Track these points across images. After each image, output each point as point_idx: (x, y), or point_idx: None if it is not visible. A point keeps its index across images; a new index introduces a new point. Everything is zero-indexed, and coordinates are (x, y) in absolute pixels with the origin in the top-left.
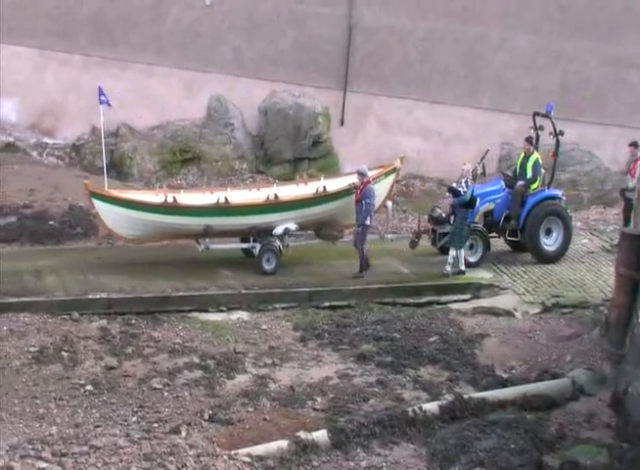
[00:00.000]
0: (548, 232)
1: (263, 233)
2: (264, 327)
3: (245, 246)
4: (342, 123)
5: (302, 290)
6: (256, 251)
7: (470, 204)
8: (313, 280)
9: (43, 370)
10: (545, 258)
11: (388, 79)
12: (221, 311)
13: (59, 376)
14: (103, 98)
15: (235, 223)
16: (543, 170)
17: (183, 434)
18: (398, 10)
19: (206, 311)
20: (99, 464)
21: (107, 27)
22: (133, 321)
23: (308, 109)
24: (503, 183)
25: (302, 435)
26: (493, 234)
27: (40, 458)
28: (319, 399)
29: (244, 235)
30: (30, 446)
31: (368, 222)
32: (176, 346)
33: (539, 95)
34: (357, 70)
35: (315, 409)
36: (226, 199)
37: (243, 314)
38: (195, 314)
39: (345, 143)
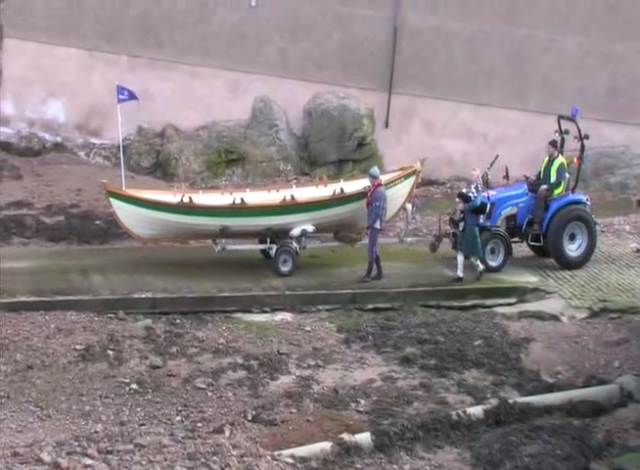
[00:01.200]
0: (572, 237)
1: (280, 234)
2: (308, 328)
3: (261, 247)
4: (386, 125)
5: (346, 291)
6: (273, 252)
7: (480, 209)
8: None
9: (89, 368)
10: (568, 265)
11: (433, 81)
12: (265, 312)
13: (104, 374)
14: (121, 97)
15: (251, 224)
16: (568, 175)
17: (227, 434)
18: (444, 11)
19: (250, 312)
20: (143, 462)
21: (153, 29)
22: (178, 321)
23: (353, 110)
24: (526, 187)
25: (346, 437)
26: (516, 239)
27: (86, 455)
28: (362, 402)
29: (261, 236)
30: (77, 443)
31: (377, 225)
32: (220, 346)
33: (587, 97)
34: (402, 71)
35: (358, 411)
36: (242, 199)
37: (286, 315)
38: (239, 315)
39: (390, 145)
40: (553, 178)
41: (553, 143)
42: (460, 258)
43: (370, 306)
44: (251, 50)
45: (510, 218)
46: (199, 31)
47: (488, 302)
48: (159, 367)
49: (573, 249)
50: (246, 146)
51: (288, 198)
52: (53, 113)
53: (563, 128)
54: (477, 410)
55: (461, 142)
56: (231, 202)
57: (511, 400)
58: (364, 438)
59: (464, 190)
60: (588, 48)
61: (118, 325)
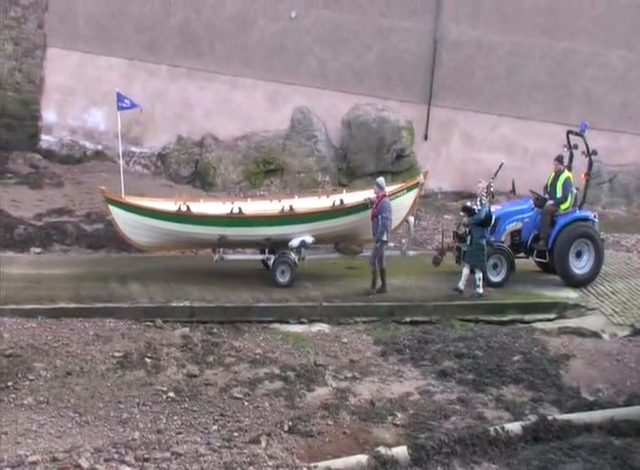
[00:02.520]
0: (578, 255)
1: (279, 245)
2: (345, 340)
3: (260, 257)
4: (425, 138)
5: (384, 304)
6: (271, 262)
7: (485, 222)
8: (396, 294)
9: (127, 375)
10: (574, 282)
11: (473, 94)
12: (302, 323)
13: (142, 382)
14: (121, 105)
15: (249, 234)
16: (575, 190)
17: (263, 444)
18: (485, 24)
19: (287, 323)
20: None
21: (193, 39)
22: (215, 330)
23: (392, 122)
24: (532, 202)
25: (382, 450)
26: (521, 254)
27: (124, 462)
28: (399, 415)
29: (260, 246)
30: (114, 450)
31: (385, 238)
32: (257, 356)
33: (630, 111)
34: (442, 84)
35: (395, 425)
36: (240, 209)
37: (323, 327)
38: (276, 325)
39: (429, 158)
40: (559, 193)
41: (559, 158)
42: (465, 270)
43: (407, 319)
44: (291, 61)
45: (515, 234)
46: (239, 42)
47: (527, 317)
48: (196, 376)
49: (580, 266)
50: (284, 156)
51: (286, 208)
52: (94, 121)
53: (572, 143)
54: (515, 426)
55: (501, 155)
56: (229, 211)
57: (550, 417)
58: (401, 451)
59: (468, 203)
60: (631, 61)
61: (156, 333)
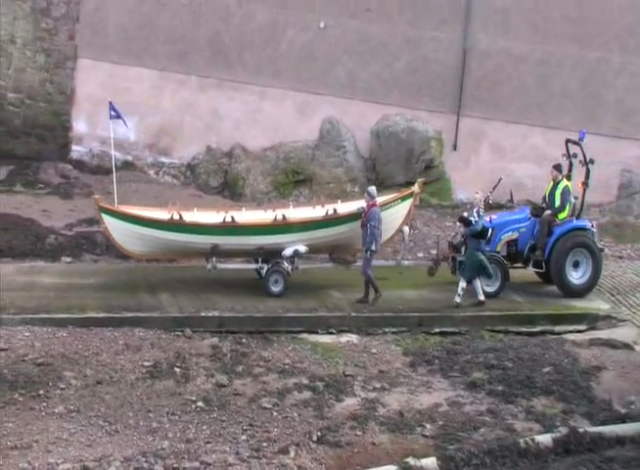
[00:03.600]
0: (576, 265)
1: (272, 254)
2: (374, 351)
3: (253, 266)
4: (454, 148)
5: (413, 315)
6: (264, 272)
7: (481, 234)
8: (422, 305)
9: (156, 385)
10: (572, 293)
11: (502, 104)
12: (331, 333)
13: (171, 391)
14: (113, 113)
15: (242, 243)
16: (573, 199)
17: (292, 454)
18: (515, 33)
19: (316, 333)
20: None
21: (223, 49)
22: (244, 340)
23: (421, 132)
24: (529, 212)
25: (411, 461)
26: (519, 264)
27: None
28: (428, 426)
29: (253, 256)
30: (144, 459)
31: (374, 247)
32: (286, 366)
33: None
34: (471, 94)
35: (424, 436)
36: (232, 218)
37: (352, 337)
38: (304, 335)
39: (458, 168)
40: (557, 203)
41: (557, 167)
42: (462, 283)
43: (436, 330)
44: (320, 71)
45: (511, 243)
46: (268, 52)
47: (558, 328)
48: (225, 386)
49: (577, 276)
50: (313, 167)
51: (279, 218)
52: (124, 132)
53: (571, 152)
54: (545, 438)
55: (531, 166)
56: (222, 220)
57: (581, 430)
58: (430, 462)
59: (465, 214)
60: None
61: (185, 343)
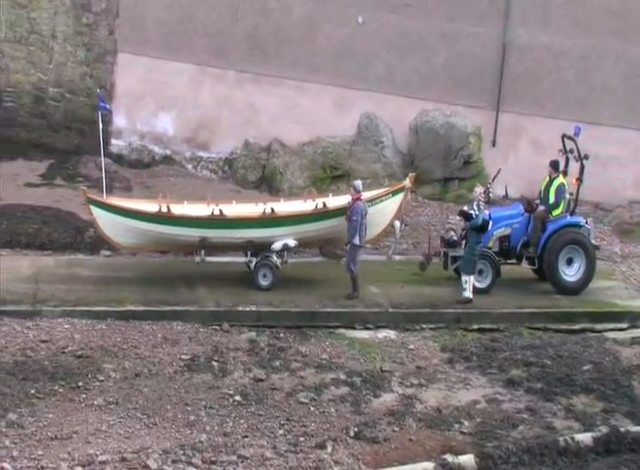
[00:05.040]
0: (569, 262)
1: (261, 248)
2: (411, 347)
3: (242, 260)
4: (493, 144)
5: (451, 311)
6: (252, 265)
7: (482, 228)
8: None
9: (194, 378)
10: (565, 290)
11: (542, 99)
12: (368, 329)
13: (209, 385)
14: (102, 104)
15: (230, 236)
16: (568, 196)
17: (329, 449)
18: (555, 28)
19: (353, 328)
20: None
21: (260, 44)
22: (281, 335)
23: (459, 128)
24: (522, 207)
25: (449, 458)
26: (512, 260)
27: (191, 464)
28: (466, 423)
29: (242, 249)
30: (182, 452)
31: (357, 241)
32: (323, 361)
33: None
34: (510, 89)
35: (462, 433)
36: (221, 211)
37: (390, 333)
38: (342, 331)
39: (497, 164)
40: (552, 199)
41: (553, 163)
42: (464, 278)
43: (475, 327)
44: (358, 66)
45: (503, 239)
46: (306, 47)
47: (598, 326)
48: (262, 380)
49: (570, 274)
50: (351, 162)
51: (268, 211)
52: (163, 126)
53: (567, 148)
54: (585, 437)
55: (571, 162)
56: (210, 213)
57: (623, 429)
58: (467, 460)
59: (465, 208)
60: None
61: (223, 337)
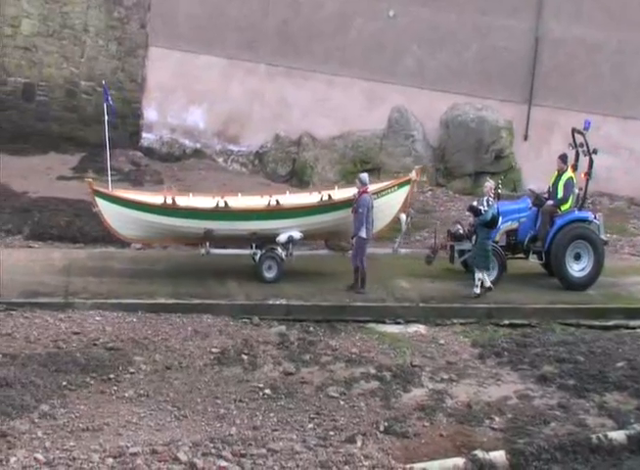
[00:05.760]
0: (577, 257)
1: (266, 240)
2: (442, 342)
3: (247, 252)
4: (525, 138)
5: (482, 306)
6: (257, 257)
7: (491, 223)
8: (490, 296)
9: (224, 371)
10: (572, 285)
11: (575, 93)
12: (398, 323)
13: (239, 378)
14: (106, 96)
15: (235, 228)
16: (577, 190)
17: (358, 444)
18: (589, 21)
19: (383, 323)
20: (276, 468)
21: (291, 38)
22: (311, 329)
23: (491, 122)
24: (530, 202)
25: (479, 454)
26: (520, 255)
27: (221, 457)
28: (497, 419)
29: (246, 241)
30: (212, 445)
31: (363, 234)
32: (353, 355)
33: None
34: (543, 83)
35: (493, 429)
36: (225, 203)
37: (420, 327)
38: (372, 325)
39: (529, 158)
40: (560, 193)
41: (562, 157)
42: (477, 274)
43: (506, 322)
44: (389, 60)
45: (510, 233)
46: (336, 41)
47: (633, 322)
48: (292, 374)
49: (578, 269)
50: (381, 156)
51: (273, 203)
52: (193, 120)
53: (577, 142)
54: (619, 435)
55: (605, 156)
56: (215, 205)
57: None
58: (498, 456)
59: (475, 203)
60: None
61: (253, 330)
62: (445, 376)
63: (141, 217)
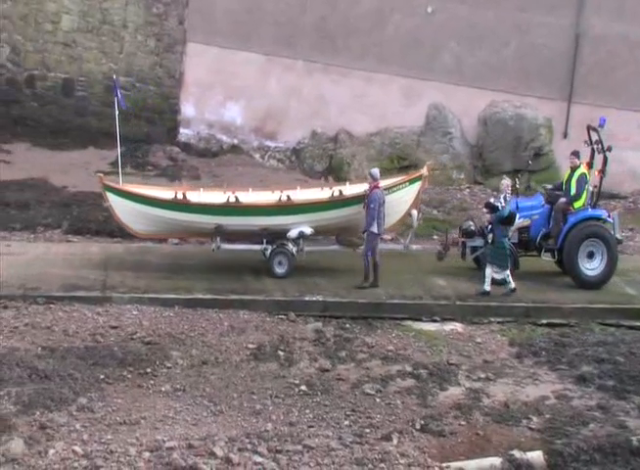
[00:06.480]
0: (590, 256)
1: (277, 236)
2: (478, 340)
3: (257, 247)
4: (565, 136)
5: (519, 305)
6: (268, 253)
7: (508, 220)
8: (530, 295)
9: (260, 367)
10: (584, 284)
11: (617, 90)
12: (435, 321)
13: (275, 374)
14: (117, 89)
15: (246, 224)
16: (591, 188)
17: (394, 441)
18: (631, 17)
19: (420, 320)
20: (312, 464)
21: (329, 34)
22: (347, 325)
23: (530, 120)
24: (543, 199)
25: (517, 454)
26: (533, 252)
27: (256, 452)
28: (535, 419)
29: (257, 237)
30: (247, 440)
31: (374, 229)
32: (389, 353)
33: None
34: (583, 80)
35: (530, 428)
36: (236, 198)
37: (457, 326)
38: (408, 323)
39: (569, 156)
40: (573, 190)
41: (575, 153)
42: (488, 270)
43: (544, 321)
44: (427, 56)
45: (523, 230)
46: (374, 37)
47: None
48: (328, 371)
49: (591, 268)
50: (419, 153)
51: (284, 198)
52: (231, 115)
53: (593, 139)
54: None
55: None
56: (225, 200)
57: None
58: (536, 456)
59: (491, 200)
60: None
61: (289, 326)
62: (482, 375)
63: (151, 212)
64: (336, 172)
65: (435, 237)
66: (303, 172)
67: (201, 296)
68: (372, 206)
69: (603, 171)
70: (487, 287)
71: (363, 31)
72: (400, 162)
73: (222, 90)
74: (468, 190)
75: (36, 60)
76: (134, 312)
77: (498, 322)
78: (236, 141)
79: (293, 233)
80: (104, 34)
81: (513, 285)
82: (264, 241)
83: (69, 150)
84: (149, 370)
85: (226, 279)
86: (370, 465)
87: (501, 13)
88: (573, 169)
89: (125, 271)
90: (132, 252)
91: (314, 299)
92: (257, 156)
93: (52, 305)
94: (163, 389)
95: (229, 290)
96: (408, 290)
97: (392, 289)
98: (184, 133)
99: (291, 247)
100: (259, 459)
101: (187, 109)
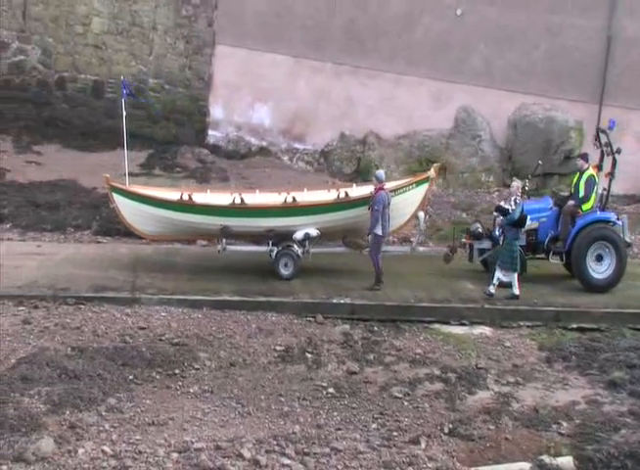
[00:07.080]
0: (599, 259)
1: (283, 237)
2: (508, 344)
3: (263, 249)
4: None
5: (549, 309)
6: (274, 254)
7: (519, 222)
8: (560, 299)
9: (288, 369)
10: (592, 288)
11: None
12: (463, 325)
13: (302, 376)
14: (125, 91)
15: (252, 225)
16: (601, 191)
17: (422, 445)
18: None
19: (448, 324)
20: (339, 467)
21: (358, 36)
22: (375, 328)
23: (560, 123)
24: (551, 201)
25: (546, 459)
26: (541, 255)
27: (284, 455)
28: (565, 424)
29: (263, 238)
30: (275, 442)
31: (378, 231)
32: (417, 356)
33: None
34: (615, 83)
35: (560, 434)
36: (242, 199)
37: (485, 329)
38: (436, 326)
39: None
40: (582, 192)
41: (583, 156)
42: (497, 273)
43: (574, 326)
44: (456, 59)
45: (531, 233)
46: (403, 39)
47: None
48: (355, 373)
49: (600, 271)
50: (447, 156)
51: (289, 200)
52: (259, 117)
53: (602, 141)
54: None
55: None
56: (231, 201)
57: None
58: (566, 462)
59: (502, 203)
60: None
61: (317, 329)
62: (511, 379)
63: (158, 213)
64: (364, 175)
65: (464, 240)
66: (331, 175)
67: (228, 297)
68: (376, 207)
69: (612, 174)
70: (516, 291)
71: (392, 34)
72: (429, 164)
73: (251, 92)
74: (497, 193)
75: (67, 62)
76: (162, 313)
77: (527, 326)
78: (264, 143)
79: (298, 235)
80: (133, 36)
81: (517, 291)
82: (270, 242)
83: (99, 151)
84: (177, 371)
85: (253, 281)
86: (398, 468)
87: (531, 15)
88: (582, 172)
89: (154, 272)
90: (161, 253)
91: (342, 301)
92: (286, 158)
93: (81, 306)
94: (192, 390)
95: (257, 292)
96: (436, 293)
97: (420, 292)
98: (213, 135)
99: (296, 248)
100: (287, 461)
101: (216, 111)
